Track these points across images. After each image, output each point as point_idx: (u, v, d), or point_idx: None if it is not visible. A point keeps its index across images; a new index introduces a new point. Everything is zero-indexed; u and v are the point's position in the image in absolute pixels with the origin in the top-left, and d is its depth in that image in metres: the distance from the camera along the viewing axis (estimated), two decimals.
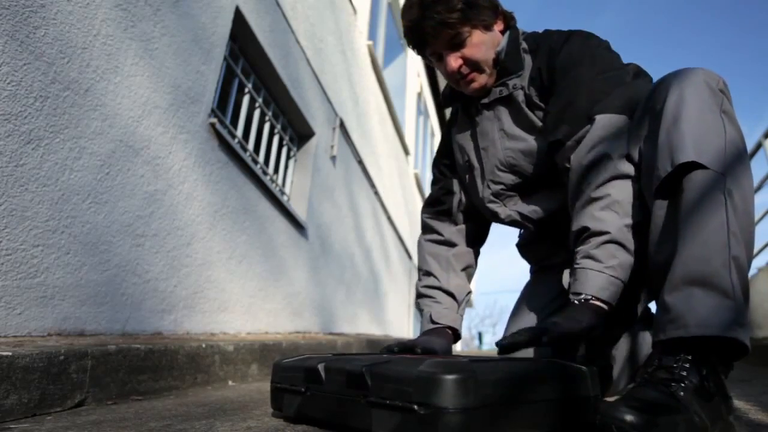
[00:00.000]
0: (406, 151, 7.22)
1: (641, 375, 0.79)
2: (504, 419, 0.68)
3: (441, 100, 1.37)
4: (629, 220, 0.95)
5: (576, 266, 0.97)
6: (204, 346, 1.59)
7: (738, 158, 0.83)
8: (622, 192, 0.97)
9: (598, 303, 0.92)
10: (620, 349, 1.25)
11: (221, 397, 1.33)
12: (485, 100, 1.23)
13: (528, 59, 1.18)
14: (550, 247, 1.30)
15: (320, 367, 0.80)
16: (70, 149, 1.49)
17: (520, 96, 1.18)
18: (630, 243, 0.94)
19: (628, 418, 0.66)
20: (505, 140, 1.21)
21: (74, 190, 1.50)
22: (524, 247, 1.41)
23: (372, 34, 5.74)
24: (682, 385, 0.72)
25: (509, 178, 1.22)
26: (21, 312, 1.30)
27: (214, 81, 2.33)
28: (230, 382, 1.68)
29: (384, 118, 5.94)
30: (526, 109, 1.17)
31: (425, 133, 9.56)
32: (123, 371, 1.23)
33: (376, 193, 5.38)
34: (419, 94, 8.64)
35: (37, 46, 1.38)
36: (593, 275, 0.93)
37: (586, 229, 0.97)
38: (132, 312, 1.75)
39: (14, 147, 1.30)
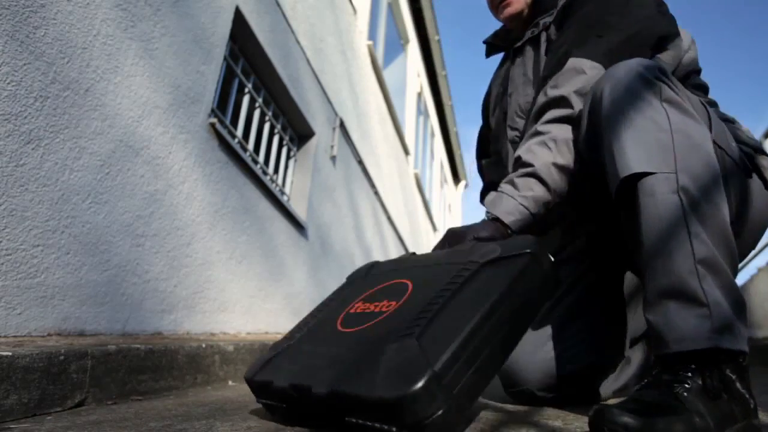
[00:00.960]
0: (406, 151, 7.22)
1: (646, 377, 0.78)
2: (483, 371, 0.69)
3: (485, 51, 1.39)
4: (561, 160, 0.97)
5: (498, 188, 1.02)
6: (204, 346, 1.59)
7: (689, 147, 0.78)
8: (564, 133, 0.98)
9: (500, 224, 0.97)
10: (636, 353, 1.24)
11: (221, 397, 1.33)
12: (518, 44, 1.23)
13: None
14: (558, 228, 1.26)
15: (288, 387, 0.77)
16: (70, 149, 1.49)
17: (543, 37, 1.16)
18: (554, 181, 0.97)
19: (624, 420, 0.64)
20: (527, 86, 1.20)
21: (74, 190, 1.50)
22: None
23: (372, 34, 5.74)
24: (686, 385, 0.70)
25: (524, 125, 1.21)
26: (21, 312, 1.30)
27: (214, 81, 2.33)
28: (230, 382, 1.68)
29: (384, 118, 5.94)
30: (543, 55, 1.15)
31: (425, 133, 9.56)
32: (123, 371, 1.23)
33: (376, 193, 5.38)
34: (419, 94, 8.64)
35: (37, 46, 1.38)
36: (506, 199, 0.98)
37: (519, 158, 1.01)
38: (132, 312, 1.75)
39: (14, 147, 1.30)
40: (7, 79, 1.28)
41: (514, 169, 1.02)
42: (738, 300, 0.74)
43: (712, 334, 0.71)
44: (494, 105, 1.35)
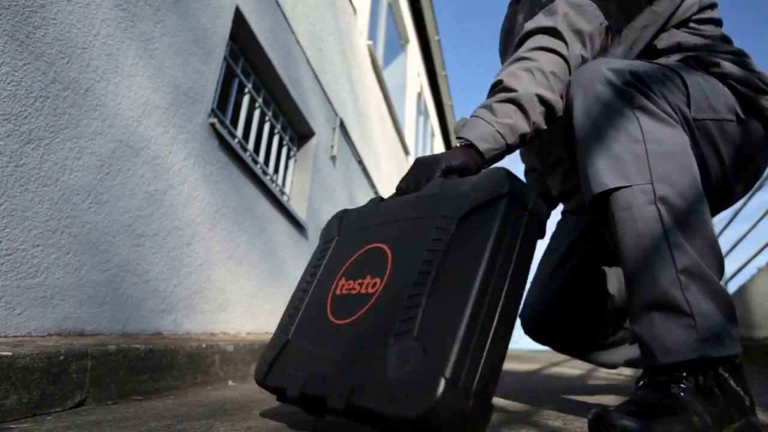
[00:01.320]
0: (406, 151, 7.22)
1: (642, 378, 0.79)
2: (497, 349, 0.66)
3: None
4: (546, 94, 0.91)
5: (472, 114, 0.95)
6: (204, 346, 1.59)
7: (664, 155, 0.77)
8: (551, 65, 0.92)
9: (473, 151, 0.89)
10: None
11: (221, 397, 1.33)
12: None
13: None
14: (560, 174, 1.25)
15: (302, 396, 0.76)
16: (70, 149, 1.49)
17: None
18: (534, 113, 0.91)
19: (623, 422, 0.64)
20: None
21: (74, 190, 1.50)
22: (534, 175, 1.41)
23: (372, 34, 5.74)
24: (682, 385, 0.71)
25: None
26: (21, 312, 1.30)
27: (214, 81, 2.33)
28: (230, 382, 1.68)
29: (384, 118, 5.94)
30: None
31: (425, 133, 9.56)
32: (123, 371, 1.23)
33: (376, 193, 5.38)
34: (419, 94, 8.64)
35: (37, 46, 1.38)
36: (482, 125, 0.90)
37: (499, 82, 0.94)
38: (132, 312, 1.75)
39: (14, 147, 1.30)
40: (7, 79, 1.28)
41: (492, 93, 0.94)
42: (725, 304, 0.74)
43: (699, 344, 0.71)
44: (503, 45, 1.31)
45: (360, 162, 4.78)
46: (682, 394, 0.70)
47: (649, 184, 0.75)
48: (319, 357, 0.79)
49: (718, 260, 0.76)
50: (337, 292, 0.85)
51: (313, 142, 3.64)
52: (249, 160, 2.66)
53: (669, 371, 0.74)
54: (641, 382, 0.77)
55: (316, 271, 0.96)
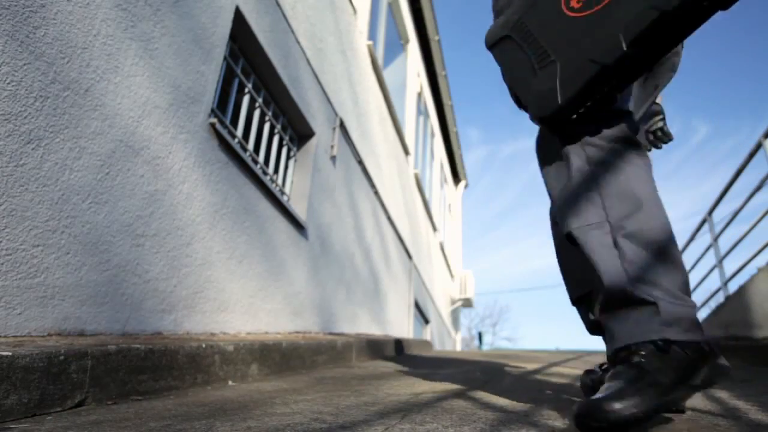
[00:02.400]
0: (406, 151, 7.22)
1: (608, 366, 0.88)
2: None
3: None
4: None
5: None
6: (204, 346, 1.59)
7: (577, 196, 0.93)
8: None
9: None
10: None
11: (221, 397, 1.33)
12: None
13: None
14: None
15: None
16: (70, 149, 1.49)
17: None
18: None
19: (616, 406, 0.69)
20: None
21: (74, 190, 1.50)
22: None
23: (372, 34, 5.74)
24: (641, 352, 0.77)
25: None
26: (21, 312, 1.30)
27: (214, 81, 2.33)
28: (230, 382, 1.68)
29: (384, 118, 5.94)
30: None
31: (425, 133, 9.56)
32: (123, 371, 1.23)
33: (376, 193, 5.38)
34: (419, 94, 8.64)
35: (37, 46, 1.38)
36: None
37: None
38: (132, 312, 1.75)
39: (14, 147, 1.30)
40: (7, 79, 1.28)
41: None
42: (686, 302, 0.81)
43: (661, 327, 0.78)
44: None
45: (360, 162, 4.78)
46: (642, 360, 0.76)
47: (607, 222, 0.90)
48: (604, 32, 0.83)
49: (675, 267, 0.85)
50: (573, 4, 0.88)
51: (313, 142, 3.64)
52: (249, 160, 2.66)
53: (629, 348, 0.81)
54: (609, 370, 0.82)
55: (526, 27, 0.97)
